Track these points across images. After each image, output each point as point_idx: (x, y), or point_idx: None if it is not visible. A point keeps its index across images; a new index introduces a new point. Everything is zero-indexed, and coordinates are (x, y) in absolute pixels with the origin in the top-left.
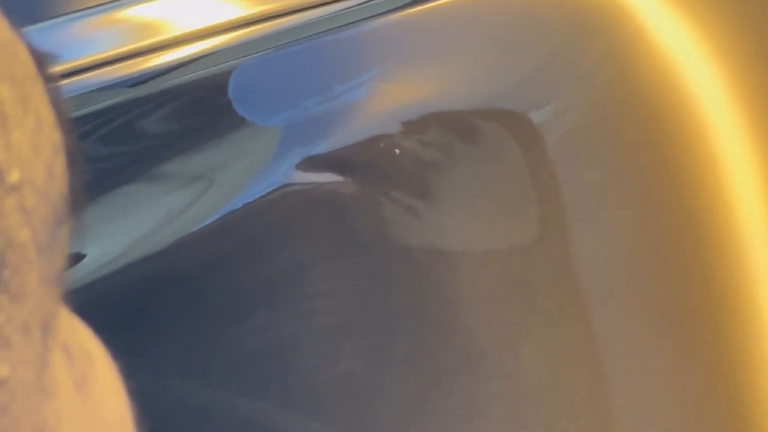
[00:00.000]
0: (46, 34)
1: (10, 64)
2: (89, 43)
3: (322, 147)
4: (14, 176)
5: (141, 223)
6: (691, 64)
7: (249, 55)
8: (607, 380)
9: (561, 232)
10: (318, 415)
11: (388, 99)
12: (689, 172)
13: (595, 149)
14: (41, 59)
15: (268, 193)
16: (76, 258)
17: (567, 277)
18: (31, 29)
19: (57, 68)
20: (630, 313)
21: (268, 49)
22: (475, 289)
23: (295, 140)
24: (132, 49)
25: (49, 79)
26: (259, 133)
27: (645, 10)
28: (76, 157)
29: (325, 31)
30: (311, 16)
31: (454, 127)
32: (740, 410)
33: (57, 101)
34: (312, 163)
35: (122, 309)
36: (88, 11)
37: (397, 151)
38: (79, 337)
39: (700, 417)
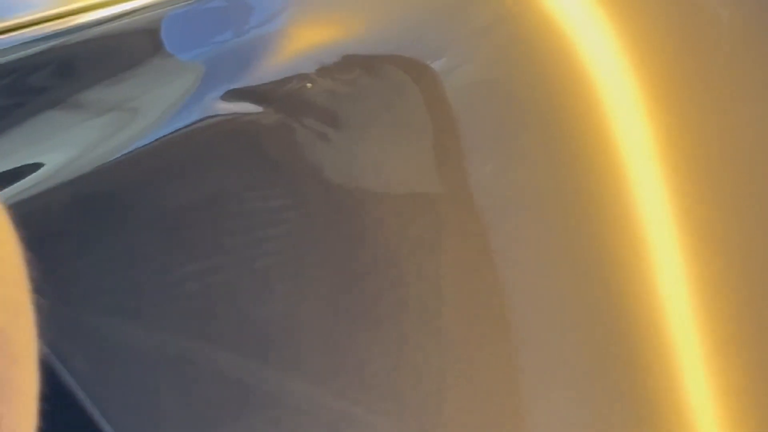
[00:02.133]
0: None
1: None
2: (23, 4)
3: (243, 82)
4: None
5: (66, 147)
6: (580, 30)
7: (168, 8)
8: (512, 320)
9: (458, 168)
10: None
11: (300, 40)
12: (574, 127)
13: (488, 101)
14: None
15: (193, 123)
16: (13, 174)
17: (466, 205)
18: None
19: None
20: (531, 248)
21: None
22: (381, 206)
23: (217, 75)
24: (62, 11)
25: None
26: (183, 68)
27: None
28: None
29: None
30: None
31: (361, 67)
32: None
33: None
34: (233, 96)
35: (45, 228)
36: None
37: (309, 85)
38: None
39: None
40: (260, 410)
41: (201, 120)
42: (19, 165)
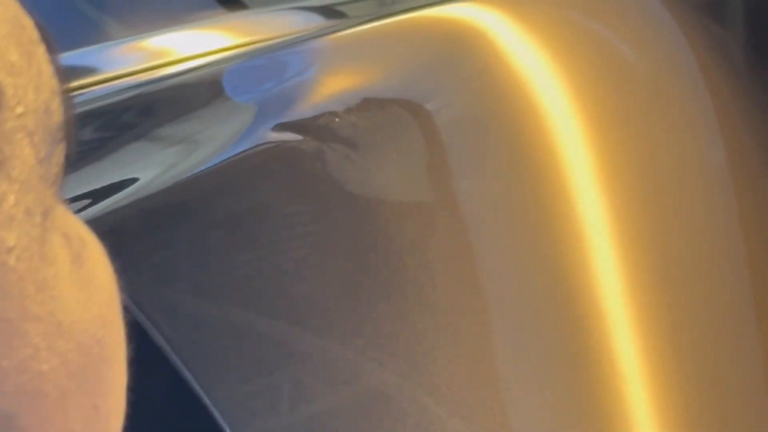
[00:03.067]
0: (93, 55)
1: (17, 31)
2: (120, 62)
3: (286, 117)
4: (20, 109)
5: (150, 169)
6: (537, 78)
7: (229, 64)
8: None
9: (445, 183)
10: (291, 320)
11: (329, 86)
12: (532, 152)
13: (470, 135)
14: (43, 30)
15: (248, 149)
16: (99, 194)
17: (451, 211)
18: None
19: (100, 77)
20: (510, 253)
21: (243, 59)
22: (389, 210)
23: (266, 113)
24: (146, 66)
25: (49, 45)
26: (239, 108)
27: (505, 38)
28: (69, 101)
29: (284, 47)
30: (270, 42)
31: (375, 106)
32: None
33: (56, 62)
34: (280, 128)
35: (140, 226)
36: (122, 40)
37: (337, 120)
38: (76, 227)
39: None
40: (298, 364)
41: (254, 147)
42: (116, 180)
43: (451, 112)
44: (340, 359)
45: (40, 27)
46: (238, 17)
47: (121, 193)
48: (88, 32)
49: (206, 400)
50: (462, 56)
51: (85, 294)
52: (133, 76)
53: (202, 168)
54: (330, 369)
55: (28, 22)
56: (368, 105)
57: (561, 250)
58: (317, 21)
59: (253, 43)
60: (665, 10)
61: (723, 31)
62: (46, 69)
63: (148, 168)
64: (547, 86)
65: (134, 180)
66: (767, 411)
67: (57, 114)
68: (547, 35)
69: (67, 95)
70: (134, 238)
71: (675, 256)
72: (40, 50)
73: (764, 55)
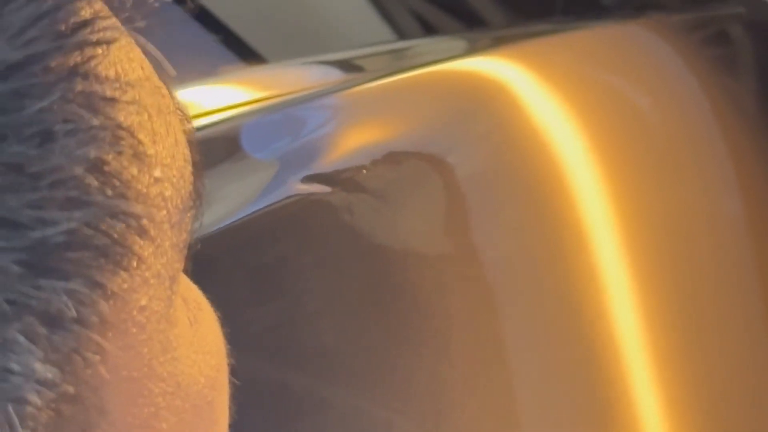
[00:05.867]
0: None
1: (158, 100)
2: None
3: (314, 170)
4: (157, 173)
5: None
6: (559, 133)
7: (248, 119)
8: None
9: (465, 234)
10: (319, 373)
11: (355, 140)
12: (550, 203)
13: (490, 187)
14: (177, 100)
15: (276, 202)
16: None
17: (471, 261)
18: None
19: None
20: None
21: (263, 114)
22: (412, 259)
23: (289, 167)
24: None
25: (183, 115)
26: (259, 165)
27: (524, 92)
28: (199, 169)
29: (304, 101)
30: (289, 96)
31: (399, 159)
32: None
33: (188, 131)
34: (309, 180)
35: None
36: None
37: (364, 171)
38: (194, 293)
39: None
40: (319, 414)
41: (281, 200)
42: None
43: (471, 165)
44: (363, 411)
45: (173, 96)
46: (256, 72)
47: None
48: None
49: None
50: (481, 110)
51: (200, 357)
52: None
53: (227, 222)
54: (351, 421)
55: (166, 92)
56: (392, 158)
57: (581, 302)
58: (336, 75)
59: (272, 96)
60: (681, 64)
61: (736, 84)
62: (181, 138)
63: None
64: (565, 139)
65: None
66: None
67: (188, 182)
68: (565, 88)
69: (197, 165)
70: None
71: (689, 300)
72: (176, 120)
73: None
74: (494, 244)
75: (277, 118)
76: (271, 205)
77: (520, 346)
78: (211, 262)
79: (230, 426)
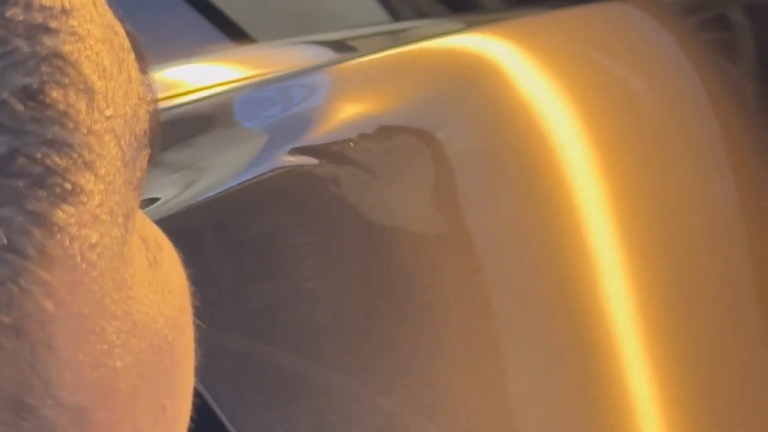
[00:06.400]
0: None
1: (111, 37)
2: None
3: (303, 142)
4: (109, 111)
5: (164, 191)
6: (550, 111)
7: (240, 93)
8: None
9: (454, 208)
10: (311, 353)
11: (344, 113)
12: (541, 181)
13: (480, 164)
14: (134, 39)
15: (265, 173)
16: None
17: (461, 235)
18: None
19: None
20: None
21: (254, 89)
22: (401, 235)
23: (278, 138)
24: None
25: (139, 54)
26: (250, 134)
27: (515, 69)
28: (155, 107)
29: (295, 76)
30: (280, 73)
31: (388, 133)
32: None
33: (144, 69)
34: (295, 152)
35: None
36: None
37: (351, 144)
38: (153, 232)
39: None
40: (314, 396)
41: (268, 171)
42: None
43: (461, 141)
44: (357, 391)
45: (131, 36)
46: (249, 51)
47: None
48: None
49: (228, 426)
50: (472, 86)
51: (159, 296)
52: None
53: (216, 191)
54: (347, 401)
55: (120, 30)
56: (381, 131)
57: (572, 279)
58: (327, 54)
59: (264, 74)
60: (675, 45)
61: (734, 67)
62: (135, 76)
63: (167, 188)
64: (556, 117)
65: (155, 199)
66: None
67: (143, 120)
68: (557, 67)
69: (153, 103)
70: None
71: (681, 283)
72: (131, 58)
73: None
74: (485, 220)
75: (268, 91)
76: (259, 176)
77: (511, 323)
78: (199, 232)
79: (223, 405)
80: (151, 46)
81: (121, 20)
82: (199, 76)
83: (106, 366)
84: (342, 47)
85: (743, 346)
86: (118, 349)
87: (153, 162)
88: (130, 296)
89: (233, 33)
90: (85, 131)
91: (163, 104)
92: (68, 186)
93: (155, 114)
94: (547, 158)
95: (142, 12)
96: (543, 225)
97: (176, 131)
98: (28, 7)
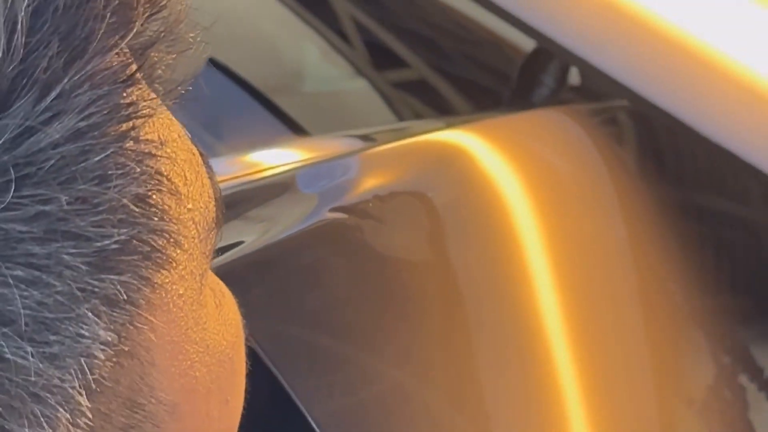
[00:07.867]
0: (215, 164)
1: (190, 157)
2: (227, 169)
3: (339, 203)
4: (190, 206)
5: (248, 236)
6: (506, 184)
7: (299, 170)
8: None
9: (444, 253)
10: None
11: (367, 184)
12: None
13: (458, 217)
14: (204, 157)
15: (314, 223)
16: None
17: (449, 272)
18: None
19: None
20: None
21: (308, 167)
22: (409, 267)
23: (328, 200)
24: (242, 173)
25: (208, 166)
26: (309, 198)
27: (482, 155)
28: (219, 203)
29: (336, 159)
30: (326, 156)
31: (395, 196)
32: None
33: (212, 177)
34: (335, 210)
35: (240, 283)
36: (228, 156)
37: (370, 204)
38: (219, 285)
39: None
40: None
41: (315, 222)
42: (228, 243)
43: (445, 202)
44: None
45: (203, 155)
46: (306, 141)
47: (228, 252)
48: (206, 150)
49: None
50: (452, 166)
51: (223, 328)
52: (238, 179)
53: (283, 235)
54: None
55: (196, 152)
56: (391, 195)
57: (522, 302)
58: (357, 144)
59: (316, 157)
60: (587, 138)
61: (624, 153)
62: (206, 182)
63: (252, 234)
64: (510, 188)
65: (242, 242)
66: (653, 409)
67: (212, 211)
68: (510, 152)
69: (219, 200)
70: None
71: (595, 299)
72: (203, 170)
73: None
74: (462, 257)
75: (318, 169)
76: (309, 225)
77: (479, 332)
78: (269, 264)
79: (273, 379)
80: (240, 137)
81: (195, 144)
82: (274, 158)
83: (189, 375)
84: (366, 139)
85: (634, 348)
86: (197, 363)
87: (219, 237)
88: (205, 328)
89: (295, 129)
90: (175, 221)
91: (249, 177)
92: (165, 258)
93: (220, 207)
94: (504, 216)
95: (235, 115)
96: (502, 262)
97: (258, 196)
98: (137, 140)
